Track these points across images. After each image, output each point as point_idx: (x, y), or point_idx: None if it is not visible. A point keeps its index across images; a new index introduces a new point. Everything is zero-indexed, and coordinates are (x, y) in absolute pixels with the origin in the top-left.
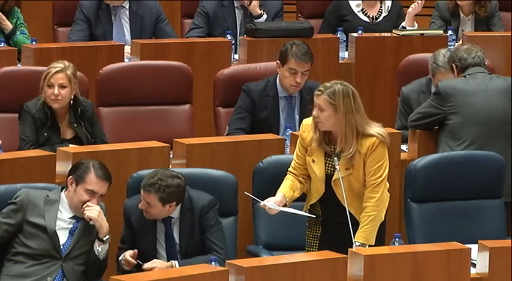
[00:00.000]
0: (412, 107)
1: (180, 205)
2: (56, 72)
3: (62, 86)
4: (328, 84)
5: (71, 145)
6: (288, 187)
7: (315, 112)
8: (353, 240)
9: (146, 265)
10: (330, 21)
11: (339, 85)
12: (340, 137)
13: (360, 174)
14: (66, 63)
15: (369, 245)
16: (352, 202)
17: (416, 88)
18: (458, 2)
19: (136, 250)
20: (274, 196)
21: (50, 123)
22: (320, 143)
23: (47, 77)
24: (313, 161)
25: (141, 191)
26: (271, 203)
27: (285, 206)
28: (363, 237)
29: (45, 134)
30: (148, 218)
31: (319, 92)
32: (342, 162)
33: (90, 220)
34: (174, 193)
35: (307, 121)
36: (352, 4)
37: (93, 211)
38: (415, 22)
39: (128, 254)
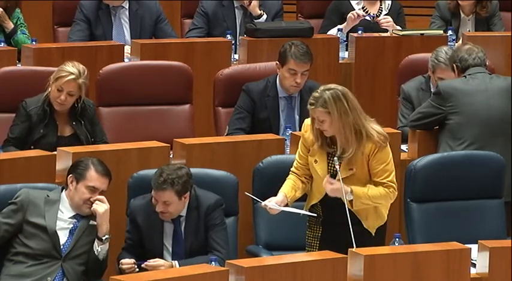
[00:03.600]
0: (413, 104)
1: (187, 204)
2: (69, 80)
3: (70, 94)
4: (316, 94)
5: (68, 144)
6: (289, 187)
7: (316, 124)
8: (352, 239)
9: (150, 262)
10: (333, 18)
11: (326, 92)
12: (340, 138)
13: (363, 174)
14: (81, 69)
15: (350, 205)
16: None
17: (416, 85)
18: (459, 2)
19: (133, 260)
20: (274, 195)
21: (48, 120)
22: (323, 147)
23: (59, 81)
24: (315, 161)
25: (154, 193)
26: (272, 203)
27: (286, 206)
28: (357, 194)
29: (41, 131)
30: (166, 219)
31: (312, 106)
32: (344, 163)
33: (95, 215)
34: (186, 182)
35: (309, 121)
36: (353, 3)
37: (101, 207)
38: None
39: (125, 263)
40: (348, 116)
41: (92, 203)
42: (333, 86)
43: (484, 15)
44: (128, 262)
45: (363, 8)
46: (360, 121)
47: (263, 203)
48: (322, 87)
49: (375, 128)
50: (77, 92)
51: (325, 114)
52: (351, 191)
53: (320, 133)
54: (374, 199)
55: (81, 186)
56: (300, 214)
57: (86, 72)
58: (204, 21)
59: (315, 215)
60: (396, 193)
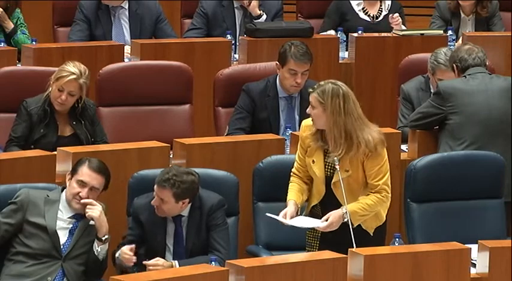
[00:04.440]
0: (413, 104)
1: (189, 204)
2: (70, 80)
3: (71, 94)
4: (322, 82)
5: (68, 144)
6: (297, 192)
7: (308, 109)
8: (352, 239)
9: (150, 262)
10: (334, 18)
11: (330, 84)
12: (329, 136)
13: (359, 176)
14: (83, 69)
15: (351, 223)
16: (351, 203)
17: (416, 85)
18: (460, 2)
19: (134, 246)
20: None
21: (48, 120)
22: (317, 141)
23: (60, 80)
24: (313, 161)
25: (155, 187)
26: (292, 220)
27: (297, 212)
28: (354, 210)
29: (42, 131)
30: (160, 214)
31: (311, 90)
32: (342, 163)
33: (92, 219)
34: (188, 189)
35: (307, 122)
36: (353, 3)
37: (95, 211)
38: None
39: (126, 249)
40: (340, 116)
41: (81, 198)
42: (339, 83)
43: (485, 15)
44: (127, 252)
45: (362, 8)
46: (351, 127)
47: (285, 222)
48: (331, 80)
49: (366, 137)
50: (77, 92)
51: (318, 103)
52: (346, 212)
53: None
54: (370, 208)
55: (73, 181)
56: (314, 228)
57: (87, 72)
58: (203, 22)
59: (331, 229)
60: (390, 196)
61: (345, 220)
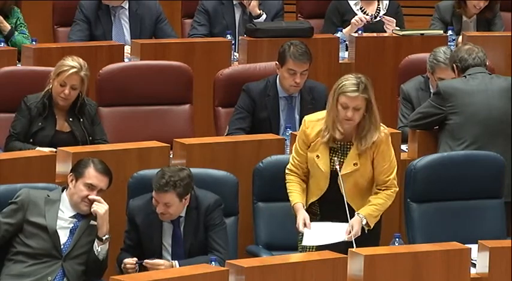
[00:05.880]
0: (413, 104)
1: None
2: (72, 73)
3: (73, 88)
4: (354, 81)
5: (66, 140)
6: (301, 193)
7: (349, 113)
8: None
9: (151, 261)
10: (333, 20)
11: (363, 78)
12: (367, 128)
13: (366, 170)
14: (82, 62)
15: (367, 228)
16: (354, 198)
17: (415, 85)
18: (474, 2)
19: (136, 259)
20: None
21: (47, 113)
22: (329, 141)
23: (61, 75)
24: (317, 156)
25: (155, 195)
26: (315, 236)
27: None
28: (368, 214)
29: (40, 124)
30: (166, 219)
31: (355, 93)
32: (349, 157)
33: (95, 215)
34: (187, 185)
35: (310, 117)
36: (351, 3)
37: (101, 208)
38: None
39: (128, 262)
40: (375, 104)
41: (90, 201)
42: (359, 74)
43: (490, 17)
44: (130, 261)
45: (361, 8)
46: (378, 112)
47: (310, 240)
48: (351, 75)
49: (372, 131)
50: (79, 86)
51: (364, 101)
52: (363, 216)
53: (337, 125)
54: (382, 207)
55: (79, 183)
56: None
57: (86, 66)
58: (205, 19)
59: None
60: (397, 189)
61: (364, 223)
